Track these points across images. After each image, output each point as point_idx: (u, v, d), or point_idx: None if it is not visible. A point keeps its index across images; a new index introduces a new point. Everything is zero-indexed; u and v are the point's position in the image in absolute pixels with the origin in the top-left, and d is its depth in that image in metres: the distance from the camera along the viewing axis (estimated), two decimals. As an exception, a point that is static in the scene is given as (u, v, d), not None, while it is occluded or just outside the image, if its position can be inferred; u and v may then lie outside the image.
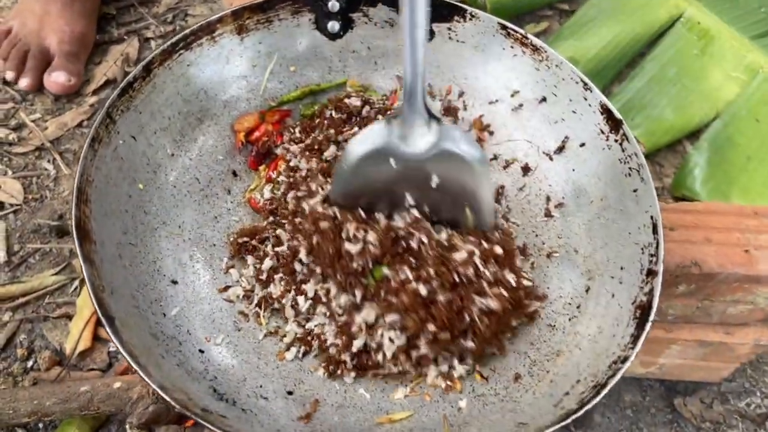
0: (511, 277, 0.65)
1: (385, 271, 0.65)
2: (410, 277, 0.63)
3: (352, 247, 0.64)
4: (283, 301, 0.69)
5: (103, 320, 0.55)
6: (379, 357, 0.65)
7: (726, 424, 0.94)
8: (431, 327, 0.62)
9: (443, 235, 0.67)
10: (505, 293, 0.64)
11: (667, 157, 1.18)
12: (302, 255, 0.69)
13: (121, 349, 0.54)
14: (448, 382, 0.66)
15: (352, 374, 0.67)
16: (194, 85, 0.76)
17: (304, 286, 0.69)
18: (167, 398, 0.52)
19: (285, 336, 0.69)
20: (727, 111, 1.17)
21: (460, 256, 0.64)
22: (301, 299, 0.69)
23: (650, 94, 1.19)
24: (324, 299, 0.69)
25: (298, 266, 0.70)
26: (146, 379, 0.52)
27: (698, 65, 1.22)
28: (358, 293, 0.65)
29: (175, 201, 0.72)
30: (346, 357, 0.66)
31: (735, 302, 0.78)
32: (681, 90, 1.19)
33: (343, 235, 0.65)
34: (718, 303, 0.79)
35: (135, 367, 0.53)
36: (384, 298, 0.64)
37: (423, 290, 0.62)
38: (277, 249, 0.71)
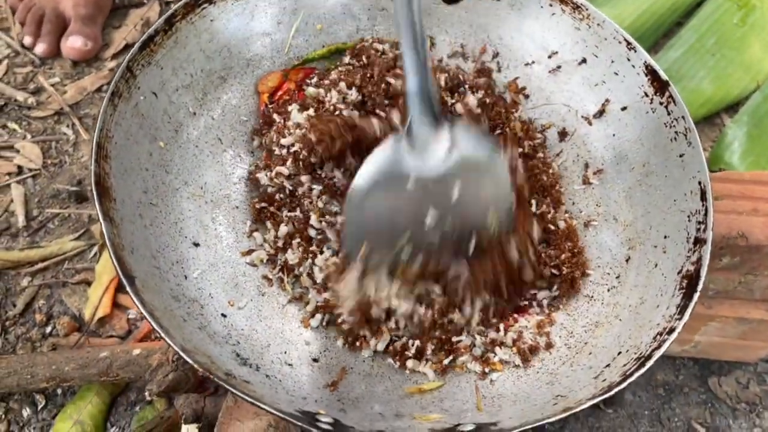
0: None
1: None
2: None
3: None
4: (300, 269, 0.67)
5: (124, 280, 0.53)
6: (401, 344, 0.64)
7: (762, 405, 0.90)
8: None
9: None
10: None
11: (705, 130, 1.14)
12: (313, 221, 0.66)
13: (143, 310, 0.51)
14: (485, 367, 0.63)
15: (372, 348, 0.65)
16: (217, 41, 0.73)
17: (319, 255, 0.67)
18: (190, 360, 0.49)
19: (308, 303, 0.67)
20: (767, 83, 1.12)
21: None
22: (316, 269, 0.67)
23: (687, 65, 1.15)
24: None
25: (312, 232, 0.67)
26: (168, 340, 0.50)
27: (738, 35, 1.17)
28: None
29: (197, 161, 0.70)
30: (365, 332, 0.64)
31: (780, 277, 0.75)
32: (720, 61, 1.15)
33: None
34: (761, 278, 0.75)
35: (156, 328, 0.50)
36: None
37: None
38: (290, 214, 0.68)
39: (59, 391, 0.84)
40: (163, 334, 0.50)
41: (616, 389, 0.51)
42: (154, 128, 0.67)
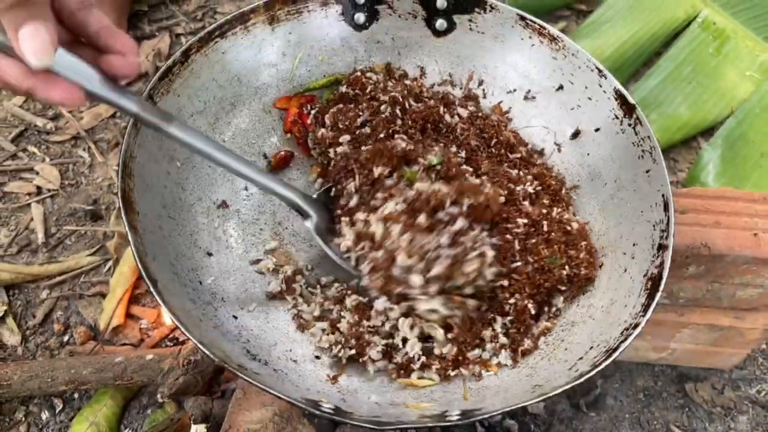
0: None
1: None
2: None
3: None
4: (300, 308, 0.73)
5: (148, 282, 0.59)
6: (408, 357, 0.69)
7: (737, 409, 0.96)
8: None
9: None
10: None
11: (682, 152, 1.21)
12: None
13: (165, 308, 0.57)
14: (482, 369, 0.68)
15: (378, 364, 0.68)
16: (228, 71, 0.80)
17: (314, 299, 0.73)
18: (207, 352, 0.55)
19: (309, 308, 0.73)
20: (741, 109, 1.20)
21: None
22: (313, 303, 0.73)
23: (665, 92, 1.22)
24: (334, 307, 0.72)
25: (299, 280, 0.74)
26: (188, 335, 0.56)
27: (713, 64, 1.25)
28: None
29: (209, 179, 0.76)
30: (371, 353, 0.68)
31: (744, 285, 0.81)
32: (696, 88, 1.22)
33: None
34: (727, 286, 0.81)
35: (178, 324, 0.56)
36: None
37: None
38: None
39: (76, 395, 0.90)
40: (183, 330, 0.57)
41: (586, 377, 0.57)
42: (172, 149, 0.73)
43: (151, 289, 0.59)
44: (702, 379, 0.98)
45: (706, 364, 0.96)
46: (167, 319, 0.92)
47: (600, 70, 0.76)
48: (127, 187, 0.65)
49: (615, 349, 0.59)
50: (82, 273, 1.00)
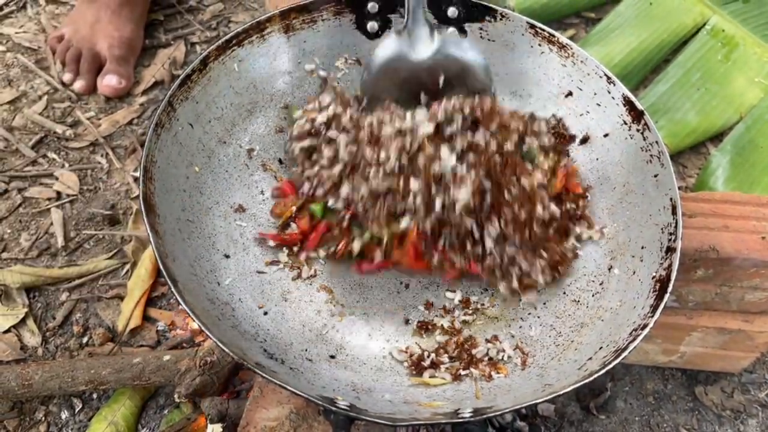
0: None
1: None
2: None
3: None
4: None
5: (169, 282, 0.61)
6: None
7: (746, 413, 0.97)
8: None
9: None
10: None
11: (691, 158, 1.22)
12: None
13: (185, 307, 0.59)
14: (492, 370, 0.70)
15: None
16: (245, 79, 0.82)
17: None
18: (227, 350, 0.57)
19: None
20: (750, 115, 1.21)
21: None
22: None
23: (674, 98, 1.23)
24: None
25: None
26: (208, 333, 0.58)
27: (722, 71, 1.26)
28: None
29: (227, 184, 0.79)
30: None
31: (753, 288, 0.82)
32: (704, 94, 1.23)
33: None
34: (736, 289, 0.82)
35: (198, 322, 0.58)
36: None
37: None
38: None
39: (95, 395, 0.92)
40: (204, 329, 0.58)
41: (595, 376, 0.58)
42: (190, 155, 0.75)
43: (172, 289, 0.60)
44: (711, 383, 0.99)
45: (715, 367, 0.97)
46: (192, 321, 0.94)
47: (609, 77, 0.78)
48: (148, 190, 0.67)
49: (624, 349, 0.60)
50: (101, 276, 1.03)
